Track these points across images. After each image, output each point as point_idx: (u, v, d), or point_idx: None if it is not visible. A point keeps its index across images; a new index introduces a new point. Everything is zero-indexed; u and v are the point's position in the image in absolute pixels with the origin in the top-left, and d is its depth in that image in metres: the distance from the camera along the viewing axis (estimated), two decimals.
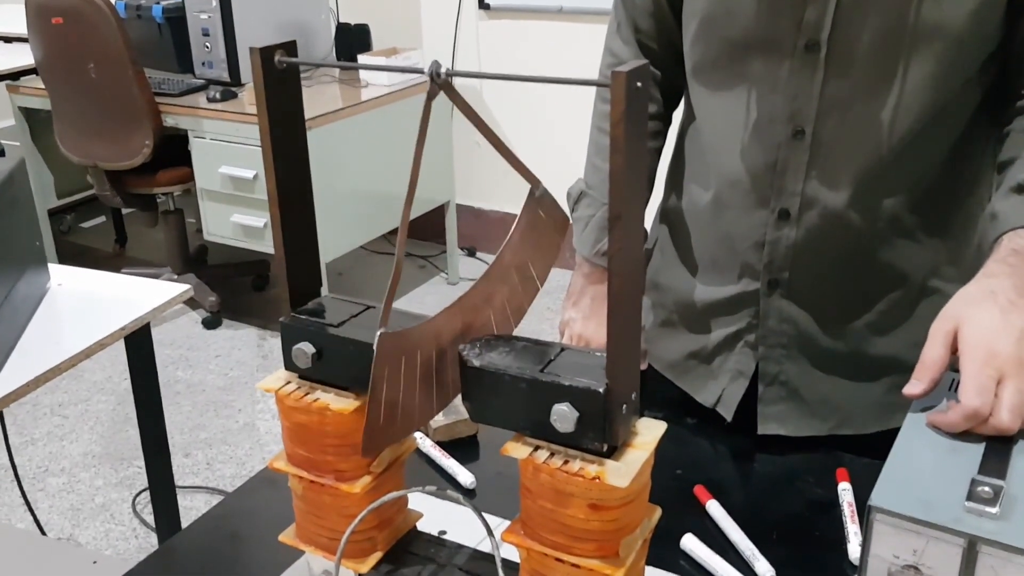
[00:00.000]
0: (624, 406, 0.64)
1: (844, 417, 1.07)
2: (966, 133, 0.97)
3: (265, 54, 0.69)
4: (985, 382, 0.75)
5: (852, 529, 0.90)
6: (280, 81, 0.71)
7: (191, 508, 2.35)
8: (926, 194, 0.98)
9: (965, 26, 0.89)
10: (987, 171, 1.02)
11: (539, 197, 0.75)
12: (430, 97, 0.63)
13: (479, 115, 0.68)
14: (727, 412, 1.09)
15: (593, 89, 1.16)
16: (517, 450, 0.66)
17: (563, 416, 0.63)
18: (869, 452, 0.94)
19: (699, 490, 0.96)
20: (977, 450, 0.73)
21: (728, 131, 1.01)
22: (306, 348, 0.73)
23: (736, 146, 1.00)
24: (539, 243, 0.77)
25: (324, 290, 0.80)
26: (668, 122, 1.18)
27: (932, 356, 0.79)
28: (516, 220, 0.75)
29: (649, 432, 0.67)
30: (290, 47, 0.71)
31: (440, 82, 0.63)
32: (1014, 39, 0.93)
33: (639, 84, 0.57)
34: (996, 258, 0.85)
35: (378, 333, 0.66)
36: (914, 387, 0.79)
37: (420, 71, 0.64)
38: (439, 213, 3.50)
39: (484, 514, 0.74)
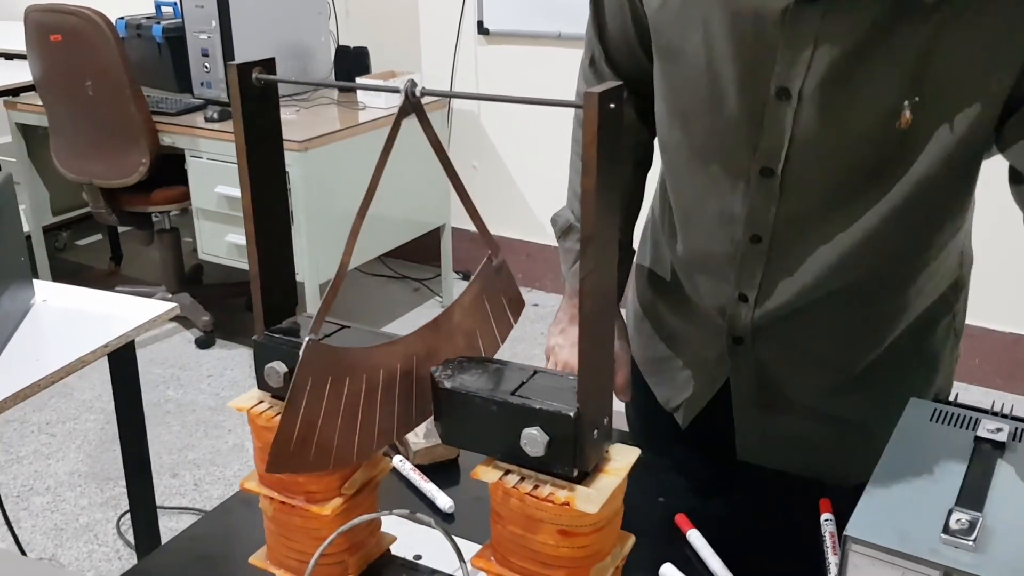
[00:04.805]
0: (595, 431, 0.63)
1: (814, 464, 1.05)
2: (932, 223, 0.94)
3: (243, 70, 0.69)
4: None
5: (833, 560, 0.89)
6: (258, 98, 0.71)
7: (175, 529, 2.32)
8: (887, 277, 0.97)
9: (931, 170, 0.85)
10: (950, 244, 0.98)
11: (496, 267, 0.74)
12: (402, 113, 0.62)
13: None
14: (682, 420, 1.13)
15: None
16: (487, 474, 0.65)
17: (533, 440, 0.62)
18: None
19: (680, 519, 0.94)
20: (956, 481, 0.72)
21: (692, 212, 1.01)
22: (278, 367, 0.72)
23: (699, 228, 1.01)
24: (491, 315, 0.75)
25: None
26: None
27: None
28: (470, 282, 0.74)
29: (622, 458, 0.66)
30: (269, 64, 0.71)
31: (414, 101, 0.63)
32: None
33: (612, 105, 0.57)
34: None
35: (306, 339, 0.64)
36: None
37: (396, 90, 0.64)
38: (434, 236, 3.50)
39: (461, 539, 0.73)
